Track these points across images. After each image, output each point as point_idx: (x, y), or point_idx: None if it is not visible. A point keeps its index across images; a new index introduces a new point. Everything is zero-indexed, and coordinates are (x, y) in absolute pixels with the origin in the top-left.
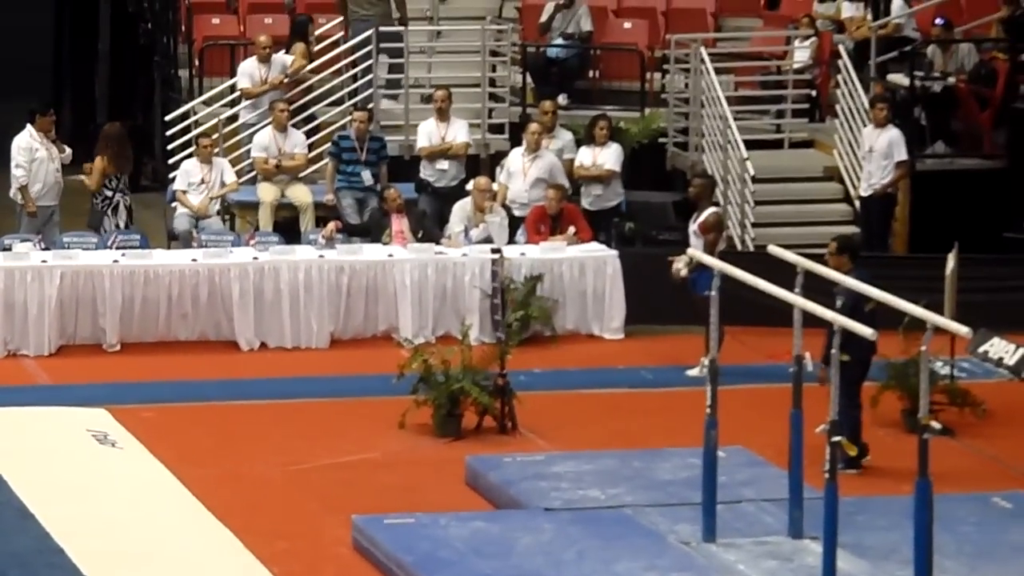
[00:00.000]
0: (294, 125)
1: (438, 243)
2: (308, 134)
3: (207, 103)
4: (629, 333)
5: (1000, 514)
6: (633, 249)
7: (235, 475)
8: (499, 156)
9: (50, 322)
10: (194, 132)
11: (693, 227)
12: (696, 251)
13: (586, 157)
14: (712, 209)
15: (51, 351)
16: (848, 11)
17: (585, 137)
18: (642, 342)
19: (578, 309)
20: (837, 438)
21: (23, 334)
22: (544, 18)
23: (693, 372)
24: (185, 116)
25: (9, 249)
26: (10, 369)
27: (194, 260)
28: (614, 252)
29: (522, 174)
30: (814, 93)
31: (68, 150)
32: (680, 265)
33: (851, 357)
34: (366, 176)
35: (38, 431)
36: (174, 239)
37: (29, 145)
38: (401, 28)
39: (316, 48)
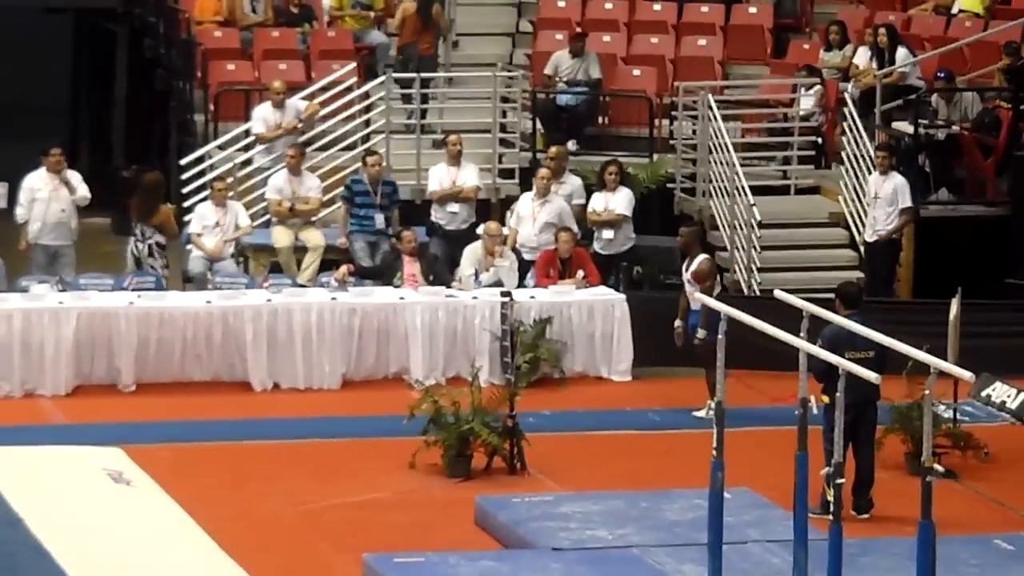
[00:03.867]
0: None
1: (449, 286)
2: (321, 178)
3: (222, 147)
4: (637, 376)
5: (1002, 556)
6: (641, 293)
7: (248, 514)
8: (509, 200)
9: (66, 362)
10: (209, 176)
11: (686, 276)
12: (702, 296)
13: (598, 203)
14: (703, 256)
15: (67, 391)
16: (861, 57)
17: (597, 183)
18: (650, 384)
19: (586, 352)
20: (840, 480)
21: (39, 374)
22: (550, 70)
23: (700, 414)
24: (200, 160)
25: (26, 290)
26: (26, 409)
27: (208, 302)
28: (622, 296)
29: (531, 219)
30: (820, 140)
31: (80, 192)
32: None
33: (830, 399)
34: (379, 219)
35: (54, 470)
36: (189, 281)
37: (32, 185)
38: (414, 76)
39: (329, 94)
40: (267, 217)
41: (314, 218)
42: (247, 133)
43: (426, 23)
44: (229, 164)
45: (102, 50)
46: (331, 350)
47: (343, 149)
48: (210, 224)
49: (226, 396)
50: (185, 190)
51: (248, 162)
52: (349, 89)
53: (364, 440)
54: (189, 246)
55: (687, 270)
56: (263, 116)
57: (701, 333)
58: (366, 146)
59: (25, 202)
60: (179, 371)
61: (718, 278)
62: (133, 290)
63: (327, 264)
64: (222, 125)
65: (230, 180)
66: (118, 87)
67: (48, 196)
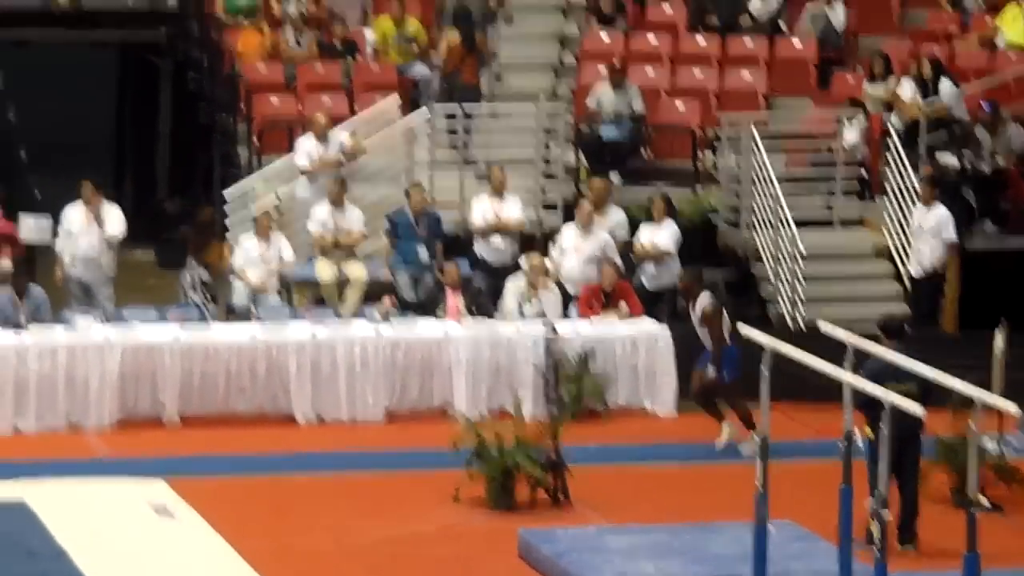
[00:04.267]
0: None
1: (492, 319)
2: (364, 210)
3: (266, 180)
4: (681, 409)
5: None
6: (685, 326)
7: (291, 547)
8: (552, 233)
9: (111, 396)
10: (252, 208)
11: (695, 318)
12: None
13: (644, 236)
14: (706, 298)
15: (111, 425)
16: (905, 90)
17: (646, 215)
18: (694, 418)
19: (630, 385)
20: (885, 513)
21: (84, 408)
22: (593, 103)
23: (744, 449)
24: (244, 193)
25: (69, 323)
26: (71, 442)
27: (253, 336)
28: (665, 329)
29: (575, 251)
30: (864, 173)
31: (109, 230)
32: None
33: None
34: (422, 252)
35: (98, 503)
36: (232, 314)
37: (68, 216)
38: (457, 108)
39: (372, 127)
40: (311, 249)
41: (357, 251)
42: (290, 166)
43: (470, 50)
44: (273, 197)
45: (146, 84)
46: (375, 383)
47: (386, 181)
48: (254, 257)
49: (270, 429)
50: (229, 222)
51: (291, 195)
52: (392, 121)
53: (408, 473)
54: (233, 279)
55: (694, 312)
56: (306, 149)
57: (711, 371)
58: (409, 179)
59: (62, 233)
60: (223, 404)
61: (725, 317)
62: (177, 323)
63: (370, 297)
64: (265, 157)
65: (274, 213)
66: (162, 121)
67: (80, 230)
